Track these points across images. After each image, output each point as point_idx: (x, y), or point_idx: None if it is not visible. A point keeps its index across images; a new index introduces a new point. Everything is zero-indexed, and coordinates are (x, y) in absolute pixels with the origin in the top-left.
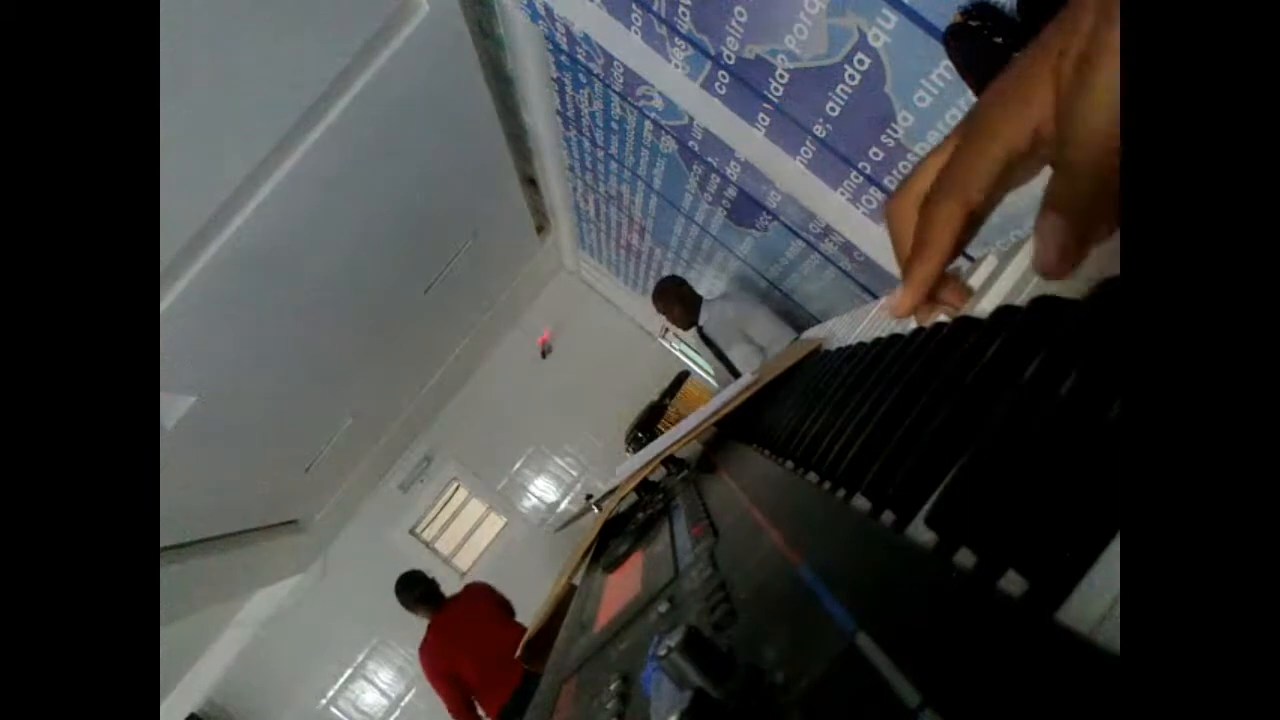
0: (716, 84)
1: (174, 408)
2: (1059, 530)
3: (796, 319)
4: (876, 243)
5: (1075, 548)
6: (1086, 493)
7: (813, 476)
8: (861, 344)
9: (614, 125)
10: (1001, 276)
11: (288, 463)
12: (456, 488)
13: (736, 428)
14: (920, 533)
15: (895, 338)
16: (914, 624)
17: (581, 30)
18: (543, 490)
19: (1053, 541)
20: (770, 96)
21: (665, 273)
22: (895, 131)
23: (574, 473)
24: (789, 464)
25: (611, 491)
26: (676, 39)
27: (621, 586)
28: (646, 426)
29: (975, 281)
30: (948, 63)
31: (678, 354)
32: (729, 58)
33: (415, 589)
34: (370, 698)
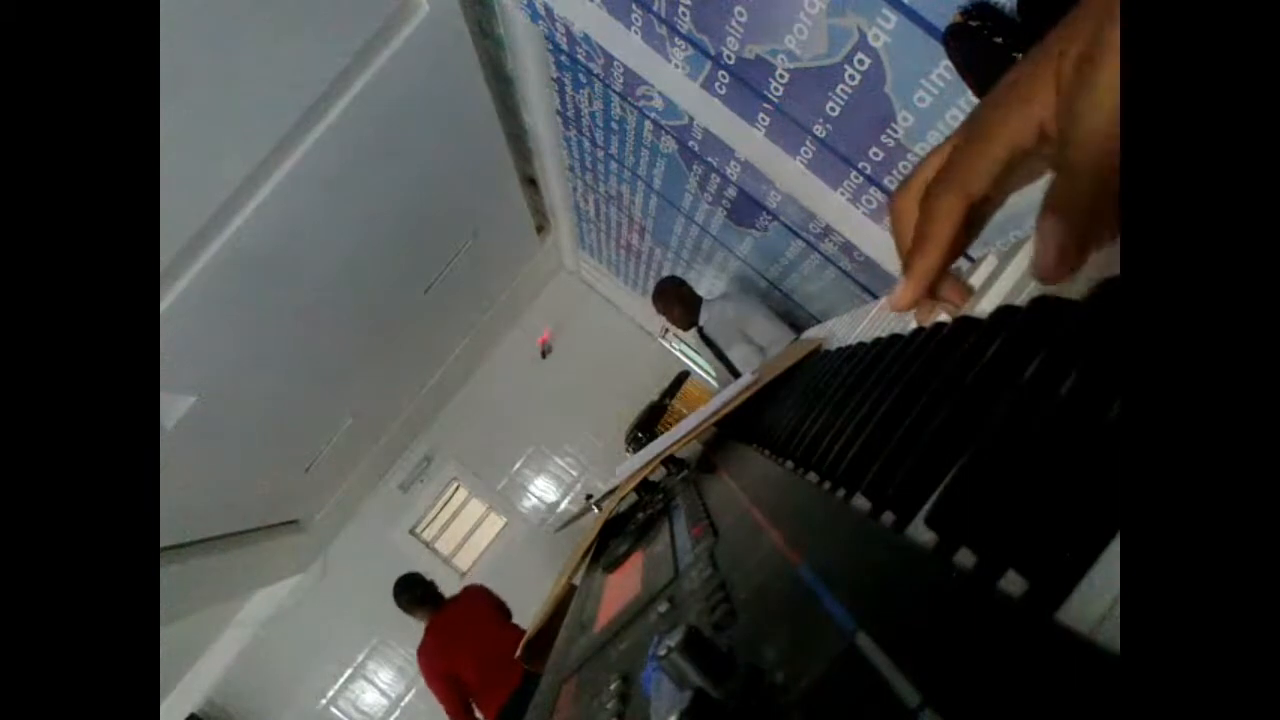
0: (716, 84)
1: (174, 408)
2: (1059, 530)
3: (796, 319)
4: (876, 243)
5: (1075, 548)
6: (1086, 493)
7: (813, 476)
8: (861, 344)
9: (614, 125)
10: (1001, 276)
11: (288, 463)
12: (456, 488)
13: (736, 428)
14: (920, 533)
15: (895, 338)
16: (914, 624)
17: (581, 30)
18: (543, 490)
19: (1053, 541)
20: (770, 96)
21: (665, 273)
22: (895, 132)
23: (574, 473)
24: (789, 464)
25: (611, 491)
26: (676, 39)
27: (621, 586)
28: (646, 426)
29: (975, 281)
30: (948, 63)
31: (678, 354)
32: (729, 58)
33: (413, 591)
34: (370, 698)
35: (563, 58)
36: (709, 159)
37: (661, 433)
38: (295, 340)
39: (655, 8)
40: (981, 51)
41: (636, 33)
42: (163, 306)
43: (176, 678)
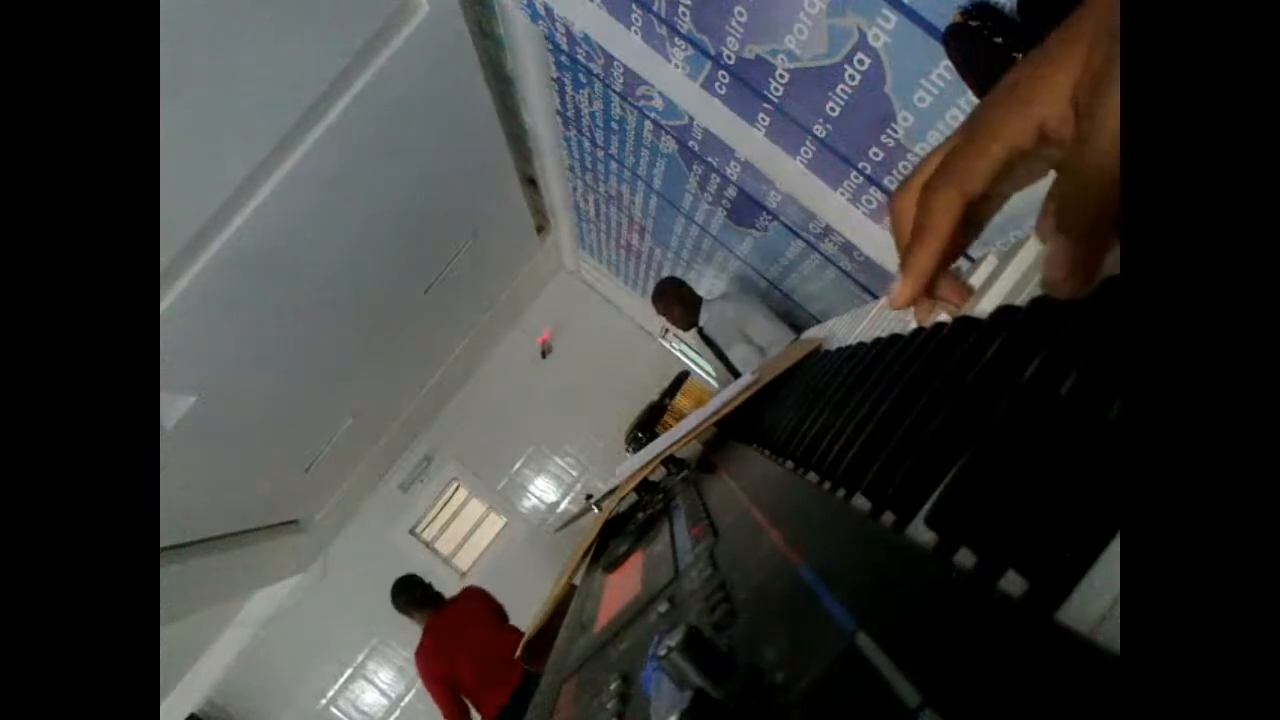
0: (716, 84)
1: (174, 408)
2: (1059, 530)
3: (796, 319)
4: (877, 243)
5: (1075, 548)
6: (1086, 493)
7: (813, 476)
8: (861, 344)
9: (614, 125)
10: (1001, 276)
11: (288, 463)
12: (456, 488)
13: (736, 428)
14: (920, 533)
15: (895, 338)
16: (914, 624)
17: (581, 30)
18: (543, 490)
19: (1053, 541)
20: (770, 96)
21: (665, 273)
22: (895, 132)
23: (574, 473)
24: (789, 464)
25: (611, 491)
26: (676, 39)
27: (621, 586)
28: (646, 426)
29: (975, 281)
30: (948, 63)
31: (678, 354)
32: (729, 58)
33: (411, 593)
34: (370, 698)
35: (563, 58)
36: (709, 159)
37: (661, 433)
38: (295, 340)
39: (655, 8)
40: (981, 51)
41: (636, 33)
42: (163, 306)
43: (176, 678)
